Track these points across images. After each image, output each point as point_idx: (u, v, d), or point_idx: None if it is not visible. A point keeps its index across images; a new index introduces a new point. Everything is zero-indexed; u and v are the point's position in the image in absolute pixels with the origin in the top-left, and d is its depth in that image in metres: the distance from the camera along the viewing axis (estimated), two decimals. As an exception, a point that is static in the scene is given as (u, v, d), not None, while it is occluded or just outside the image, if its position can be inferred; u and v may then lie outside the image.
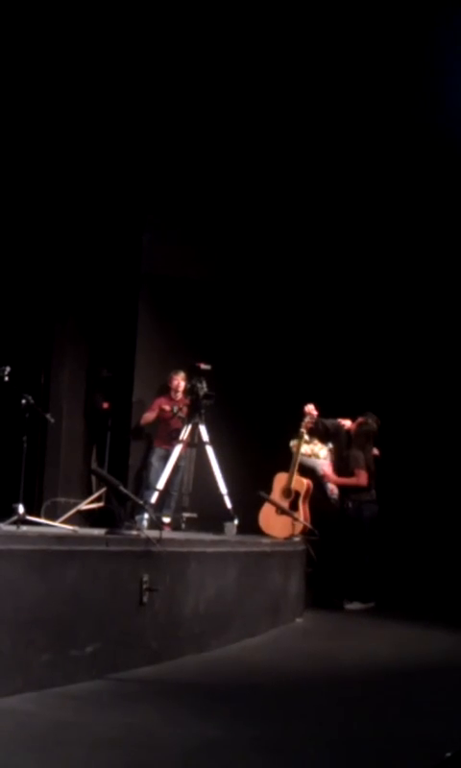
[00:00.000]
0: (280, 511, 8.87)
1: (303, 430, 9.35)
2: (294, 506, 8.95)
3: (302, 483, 9.12)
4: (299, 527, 8.82)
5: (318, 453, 9.70)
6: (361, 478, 9.74)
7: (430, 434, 11.07)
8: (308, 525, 8.87)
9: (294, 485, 9.09)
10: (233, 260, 11.19)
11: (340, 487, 9.84)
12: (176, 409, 9.83)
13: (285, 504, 8.94)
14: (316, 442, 9.70)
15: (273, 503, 8.90)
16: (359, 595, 9.67)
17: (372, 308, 11.50)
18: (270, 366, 11.16)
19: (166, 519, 9.19)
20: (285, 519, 8.85)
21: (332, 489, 9.84)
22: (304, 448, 9.47)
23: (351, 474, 9.76)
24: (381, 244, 11.36)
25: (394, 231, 11.29)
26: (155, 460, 10.16)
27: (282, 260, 11.41)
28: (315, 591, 9.36)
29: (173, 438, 9.57)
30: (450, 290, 11.18)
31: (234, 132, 10.50)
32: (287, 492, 9.07)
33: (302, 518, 8.87)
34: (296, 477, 9.14)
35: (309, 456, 9.63)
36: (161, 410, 10.17)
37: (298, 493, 9.05)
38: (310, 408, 9.47)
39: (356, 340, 11.41)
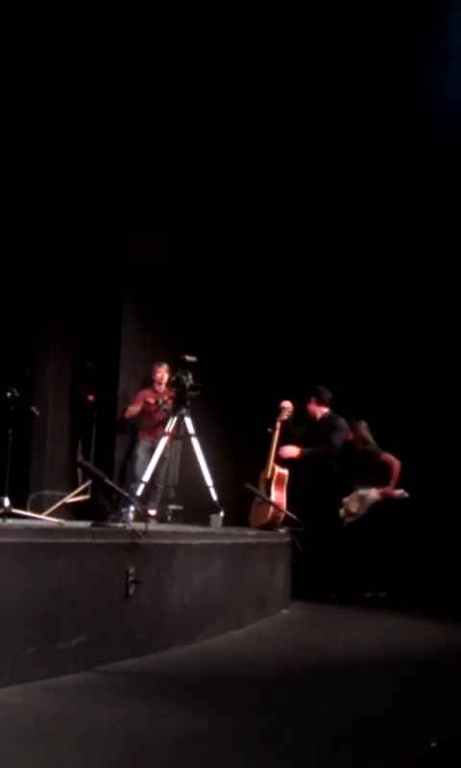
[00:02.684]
0: (262, 501, 8.91)
1: (278, 423, 9.39)
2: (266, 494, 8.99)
3: (273, 470, 9.15)
4: (273, 513, 8.84)
5: (361, 495, 9.85)
6: (395, 464, 9.90)
7: (420, 425, 11.09)
8: (283, 511, 8.86)
9: (268, 473, 9.13)
10: (219, 252, 11.19)
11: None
12: (161, 401, 9.84)
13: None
14: (352, 500, 9.81)
15: (257, 494, 8.92)
16: (376, 585, 9.84)
17: (358, 299, 11.52)
18: (256, 358, 11.17)
19: (152, 512, 9.18)
20: (266, 509, 8.90)
21: (399, 493, 9.94)
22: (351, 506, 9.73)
23: (378, 468, 9.87)
24: (367, 235, 11.37)
25: (380, 222, 11.30)
26: (140, 452, 10.16)
27: (268, 252, 11.42)
28: (305, 583, 9.44)
29: (158, 430, 9.56)
30: (437, 281, 11.21)
31: (220, 125, 10.48)
32: (265, 482, 9.14)
33: (274, 502, 8.90)
34: (270, 466, 9.17)
35: (358, 501, 9.78)
36: (146, 403, 10.16)
37: (270, 480, 9.08)
38: (286, 404, 9.52)
39: (343, 331, 11.43)
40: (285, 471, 9.21)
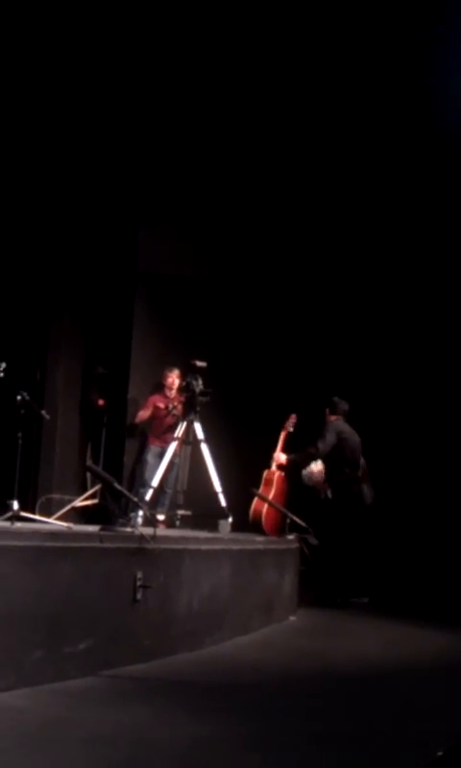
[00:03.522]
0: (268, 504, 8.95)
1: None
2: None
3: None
4: (256, 505, 8.88)
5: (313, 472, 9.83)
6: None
7: (425, 431, 11.09)
8: (272, 503, 8.87)
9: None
10: (229, 258, 11.20)
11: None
12: (171, 407, 9.83)
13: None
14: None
15: (264, 499, 8.91)
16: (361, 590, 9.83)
17: (368, 305, 11.53)
18: (265, 363, 11.17)
19: (160, 517, 9.17)
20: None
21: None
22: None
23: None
24: (378, 240, 11.39)
25: (389, 227, 11.31)
26: (150, 457, 10.15)
27: (278, 258, 11.43)
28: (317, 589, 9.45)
29: (168, 435, 9.57)
30: (449, 289, 11.21)
31: (230, 131, 10.50)
32: None
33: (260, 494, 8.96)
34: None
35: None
36: (156, 408, 10.16)
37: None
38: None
39: (352, 337, 11.44)
40: (276, 471, 9.20)
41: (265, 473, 9.20)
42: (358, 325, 11.50)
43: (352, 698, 5.71)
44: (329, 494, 9.84)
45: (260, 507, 8.89)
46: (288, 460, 9.38)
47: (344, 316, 11.56)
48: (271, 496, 8.99)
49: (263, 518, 8.85)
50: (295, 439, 9.51)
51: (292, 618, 8.66)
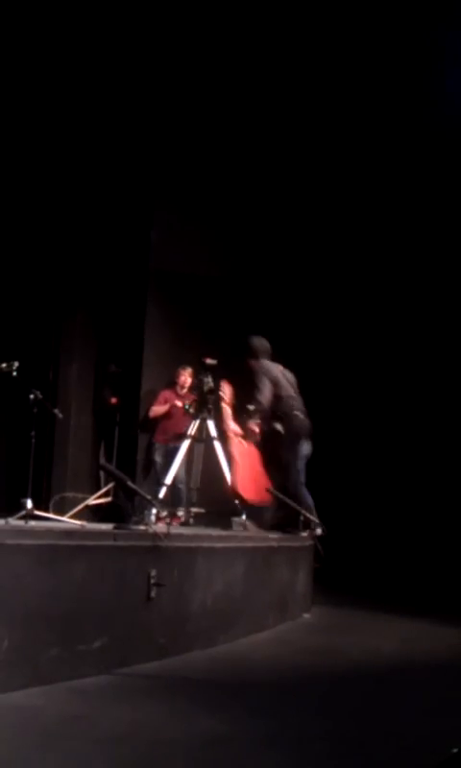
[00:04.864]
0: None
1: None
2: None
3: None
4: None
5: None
6: None
7: (437, 434, 11.11)
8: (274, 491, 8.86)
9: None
10: (241, 256, 11.20)
11: None
12: (188, 405, 9.81)
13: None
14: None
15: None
16: None
17: (377, 304, 11.53)
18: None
19: (179, 513, 9.18)
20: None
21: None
22: None
23: None
24: (387, 240, 11.39)
25: (396, 227, 11.32)
26: (157, 456, 10.15)
27: (290, 256, 11.43)
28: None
29: (178, 433, 9.56)
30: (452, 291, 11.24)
31: (241, 129, 10.51)
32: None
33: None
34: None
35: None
36: (173, 406, 10.15)
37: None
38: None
39: (362, 335, 11.44)
40: (241, 442, 9.15)
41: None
42: (370, 321, 11.50)
43: (367, 695, 5.72)
44: (279, 427, 9.42)
45: (234, 479, 8.73)
46: (244, 428, 9.16)
47: (356, 313, 11.56)
48: (251, 467, 8.95)
49: (240, 488, 8.74)
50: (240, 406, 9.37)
51: (306, 616, 8.66)
